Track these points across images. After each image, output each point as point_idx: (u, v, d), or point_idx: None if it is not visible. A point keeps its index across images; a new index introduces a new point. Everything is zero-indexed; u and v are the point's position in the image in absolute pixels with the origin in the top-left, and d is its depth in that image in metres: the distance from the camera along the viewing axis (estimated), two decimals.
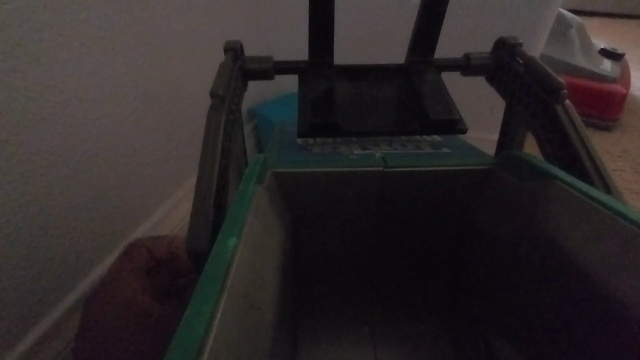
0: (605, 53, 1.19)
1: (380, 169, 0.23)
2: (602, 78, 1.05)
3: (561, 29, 1.12)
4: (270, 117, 0.94)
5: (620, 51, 1.20)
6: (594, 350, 0.17)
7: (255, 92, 0.96)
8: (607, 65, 1.12)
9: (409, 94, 0.32)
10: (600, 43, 1.27)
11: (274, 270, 0.20)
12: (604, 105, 1.04)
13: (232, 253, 0.14)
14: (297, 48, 0.98)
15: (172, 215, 0.67)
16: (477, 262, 0.26)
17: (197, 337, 0.10)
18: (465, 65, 0.32)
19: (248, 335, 0.15)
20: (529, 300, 0.21)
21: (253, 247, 0.16)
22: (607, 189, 0.21)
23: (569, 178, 0.19)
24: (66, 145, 0.43)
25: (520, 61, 0.28)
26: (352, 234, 0.28)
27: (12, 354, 0.38)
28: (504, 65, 0.30)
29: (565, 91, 0.24)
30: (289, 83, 1.00)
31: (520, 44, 0.29)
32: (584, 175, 0.22)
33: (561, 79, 0.24)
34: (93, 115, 0.46)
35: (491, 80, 0.32)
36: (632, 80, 1.39)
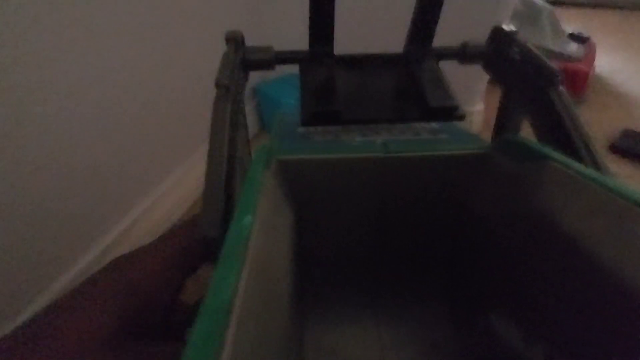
0: (573, 37, 1.32)
1: (381, 154, 0.24)
2: (568, 58, 1.18)
3: (533, 15, 1.24)
4: (273, 95, 1.03)
5: (585, 35, 1.33)
6: (591, 322, 0.18)
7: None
8: (573, 48, 1.25)
9: (407, 81, 0.34)
10: (570, 28, 1.40)
11: (285, 249, 0.22)
12: (569, 83, 1.16)
13: (249, 229, 0.15)
14: (297, 37, 1.05)
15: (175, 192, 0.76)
16: (475, 243, 0.28)
17: (225, 304, 0.11)
18: (463, 54, 0.34)
19: (268, 305, 0.17)
20: (526, 277, 0.23)
21: (266, 227, 0.18)
22: (599, 168, 0.23)
23: (563, 158, 0.20)
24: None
25: (516, 49, 0.30)
26: (354, 219, 0.29)
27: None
28: (501, 53, 0.31)
29: (560, 77, 0.26)
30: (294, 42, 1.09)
31: (516, 32, 0.31)
32: (577, 157, 0.24)
33: (555, 67, 0.26)
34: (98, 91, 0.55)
35: (487, 67, 0.34)
36: (597, 61, 1.54)
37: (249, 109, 1.07)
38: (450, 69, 0.33)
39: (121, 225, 0.64)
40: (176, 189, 0.76)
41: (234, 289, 0.11)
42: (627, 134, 1.03)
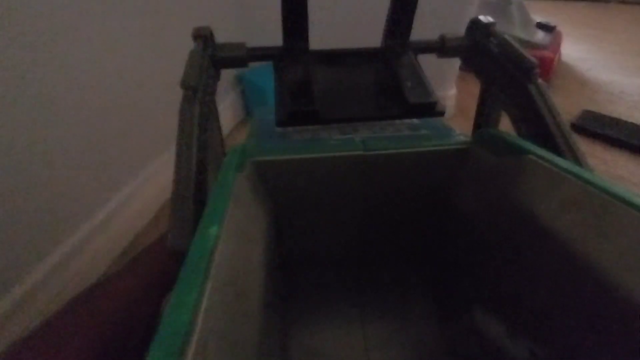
0: (540, 26, 1.40)
1: (361, 152, 0.24)
2: (534, 45, 1.26)
3: (503, 5, 1.32)
4: (258, 82, 1.06)
5: (552, 24, 1.41)
6: (569, 316, 0.17)
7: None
8: (540, 36, 1.33)
9: (386, 78, 0.32)
10: (539, 19, 1.48)
11: (259, 258, 0.20)
12: None
13: (214, 241, 0.14)
14: (273, 32, 1.05)
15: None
16: (458, 239, 0.27)
17: (182, 327, 0.10)
18: (441, 47, 0.33)
19: (236, 322, 0.15)
20: (507, 271, 0.22)
21: (236, 235, 0.16)
22: (578, 162, 0.22)
23: (542, 152, 0.20)
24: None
25: (495, 41, 0.29)
26: (336, 218, 0.28)
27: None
28: (479, 46, 0.30)
29: (537, 70, 0.25)
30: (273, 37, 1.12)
31: (494, 24, 0.30)
32: (556, 150, 0.23)
33: (533, 59, 0.25)
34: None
35: (467, 61, 0.33)
36: (564, 50, 1.63)
37: (234, 96, 1.10)
38: (422, 54, 0.33)
39: (113, 203, 0.67)
40: (160, 174, 0.79)
41: (195, 309, 0.10)
42: (586, 114, 1.11)
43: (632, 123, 1.06)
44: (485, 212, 0.23)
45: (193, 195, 0.19)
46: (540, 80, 0.25)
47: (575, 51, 1.78)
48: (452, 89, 1.09)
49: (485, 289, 0.25)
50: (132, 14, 0.65)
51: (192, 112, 0.22)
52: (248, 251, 0.18)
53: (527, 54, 0.25)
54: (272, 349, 0.22)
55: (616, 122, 1.07)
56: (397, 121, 0.34)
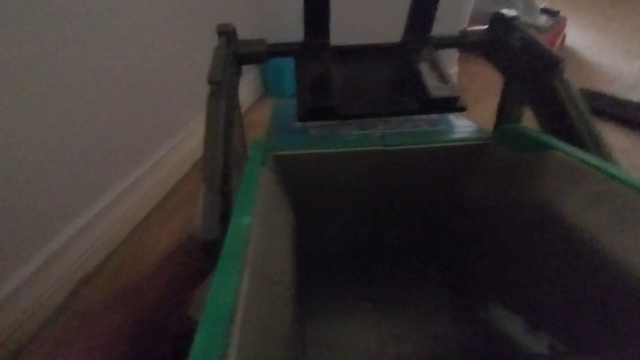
0: (544, 11, 1.47)
1: (380, 148, 0.23)
2: (536, 29, 1.33)
3: None
4: (277, 60, 1.17)
5: (556, 10, 1.48)
6: (592, 311, 0.17)
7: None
8: (542, 20, 1.40)
9: (407, 72, 0.32)
10: (542, 4, 1.55)
11: (284, 248, 0.20)
12: None
13: (247, 231, 0.14)
14: (293, 27, 1.08)
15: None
16: (475, 234, 0.27)
17: (227, 308, 0.10)
18: (462, 42, 0.32)
19: (270, 309, 0.15)
20: (527, 266, 0.21)
21: (264, 225, 0.17)
22: (605, 157, 0.21)
23: (567, 147, 0.19)
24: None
25: (517, 36, 0.28)
26: (352, 213, 0.28)
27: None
28: (501, 40, 0.30)
29: (563, 65, 0.24)
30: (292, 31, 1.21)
31: (517, 18, 0.29)
32: (581, 146, 0.22)
33: (558, 53, 0.25)
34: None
35: (488, 56, 0.32)
36: (570, 36, 1.69)
37: (254, 74, 1.21)
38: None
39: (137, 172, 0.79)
40: (187, 140, 0.91)
41: (235, 294, 0.11)
42: (581, 92, 1.19)
43: (625, 99, 1.14)
44: (505, 207, 0.22)
45: (220, 188, 0.19)
46: (565, 75, 0.24)
47: (581, 38, 1.83)
48: (453, 67, 1.18)
49: (502, 284, 0.24)
50: None
51: (219, 107, 0.22)
52: (275, 241, 0.19)
53: (552, 48, 0.25)
54: (294, 338, 0.21)
55: (609, 99, 1.14)
56: (416, 116, 0.34)
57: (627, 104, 1.10)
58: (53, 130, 0.54)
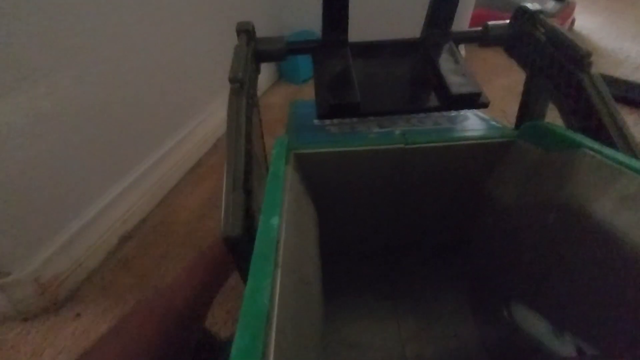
0: None
1: (401, 146, 0.23)
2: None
3: None
4: None
5: None
6: (624, 314, 0.16)
7: (267, 30, 1.24)
8: (549, 5, 1.42)
9: (427, 69, 0.32)
10: None
11: (312, 247, 0.20)
12: None
13: (277, 231, 0.14)
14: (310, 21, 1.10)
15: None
16: (498, 233, 0.26)
17: (263, 309, 0.10)
18: (484, 36, 0.32)
19: (303, 308, 0.15)
20: (554, 266, 0.21)
21: (293, 225, 0.17)
22: (635, 155, 0.20)
23: (596, 145, 0.18)
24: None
25: (542, 30, 0.27)
26: (373, 211, 0.28)
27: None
28: (524, 34, 0.29)
29: (592, 60, 0.23)
30: (299, 21, 1.24)
31: (541, 12, 0.28)
32: (610, 144, 0.21)
33: (586, 47, 0.24)
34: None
35: (510, 50, 0.31)
36: (579, 21, 1.71)
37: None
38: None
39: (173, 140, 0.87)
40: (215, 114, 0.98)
41: (270, 295, 0.11)
42: None
43: (630, 81, 1.17)
44: (531, 207, 0.22)
45: (242, 184, 0.19)
46: (593, 70, 0.23)
47: (591, 23, 1.84)
48: (462, 50, 1.22)
49: (527, 285, 0.23)
50: None
51: (240, 104, 0.23)
52: (304, 241, 0.19)
53: (580, 42, 0.24)
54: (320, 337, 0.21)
55: (614, 81, 1.17)
56: (437, 113, 0.33)
57: (634, 86, 1.13)
58: (105, 108, 0.61)
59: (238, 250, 0.17)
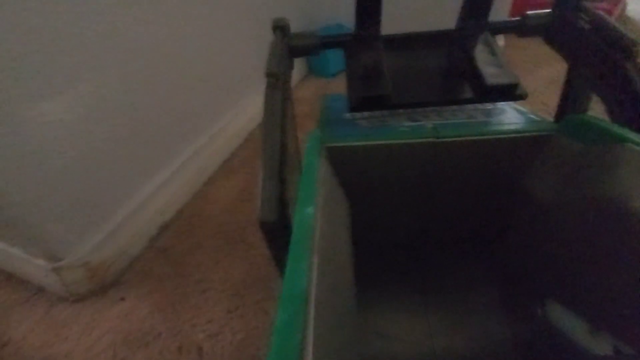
0: None
1: (432, 139, 0.23)
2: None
3: None
4: None
5: None
6: None
7: (297, 25, 1.24)
8: None
9: (461, 60, 0.31)
10: None
11: (345, 236, 0.21)
12: None
13: (312, 220, 0.15)
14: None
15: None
16: (532, 230, 0.26)
17: (302, 289, 0.11)
18: (522, 25, 0.31)
19: (337, 290, 0.16)
20: (594, 264, 0.20)
21: (326, 215, 0.17)
22: None
23: None
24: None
25: (585, 18, 0.26)
26: (404, 204, 0.28)
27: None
28: (566, 23, 0.28)
29: (638, 49, 0.23)
30: (330, 15, 1.24)
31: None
32: None
33: (632, 36, 0.23)
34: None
35: (551, 40, 0.31)
36: (632, 6, 1.57)
37: None
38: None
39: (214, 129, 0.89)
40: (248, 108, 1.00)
41: (308, 279, 0.12)
42: None
43: None
44: (572, 203, 0.21)
45: (277, 173, 0.20)
46: None
47: None
48: (500, 39, 1.16)
49: (564, 282, 0.23)
50: None
51: (275, 98, 0.23)
52: (337, 230, 0.19)
53: (625, 30, 0.23)
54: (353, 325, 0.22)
55: None
56: (470, 106, 0.32)
57: None
58: (145, 105, 0.65)
59: (272, 236, 0.18)
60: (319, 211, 0.16)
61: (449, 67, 0.32)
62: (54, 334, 0.56)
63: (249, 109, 0.98)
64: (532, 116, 0.31)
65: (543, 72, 1.16)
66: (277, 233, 0.18)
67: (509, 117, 0.30)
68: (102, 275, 0.62)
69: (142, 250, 0.69)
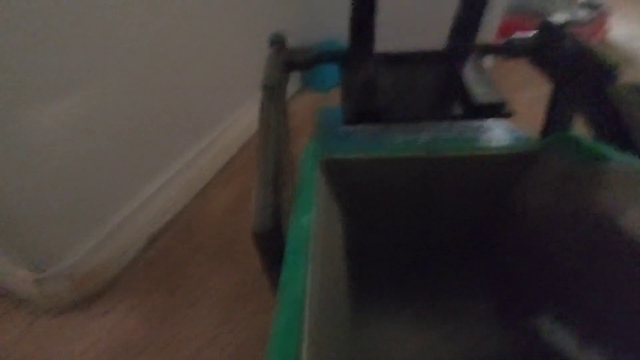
0: (584, 5, 1.45)
1: (424, 155, 0.23)
2: (572, 23, 1.32)
3: None
4: None
5: (597, 3, 1.45)
6: None
7: (295, 38, 1.26)
8: (581, 14, 1.38)
9: (450, 78, 0.33)
10: None
11: (339, 248, 0.21)
12: None
13: (307, 230, 0.15)
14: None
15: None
16: (522, 244, 0.27)
17: (298, 296, 0.11)
18: (508, 48, 0.32)
19: (331, 300, 0.16)
20: (583, 279, 0.21)
21: (321, 226, 0.17)
22: None
23: (625, 157, 0.18)
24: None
25: (569, 43, 0.28)
26: (397, 218, 0.28)
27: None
28: (550, 46, 0.29)
29: (619, 71, 0.24)
30: (324, 31, 1.24)
31: (568, 26, 0.29)
32: (638, 155, 0.21)
33: (614, 59, 0.24)
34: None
35: (535, 62, 0.32)
36: (616, 29, 1.64)
37: None
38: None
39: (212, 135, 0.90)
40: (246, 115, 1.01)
41: (303, 286, 0.12)
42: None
43: None
44: (559, 219, 0.22)
45: (273, 184, 0.20)
46: (623, 80, 0.23)
47: (629, 30, 1.77)
48: (489, 60, 1.20)
49: (555, 296, 0.23)
50: None
51: (271, 110, 0.24)
52: (331, 240, 0.19)
53: (611, 51, 0.26)
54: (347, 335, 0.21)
55: None
56: (461, 123, 0.34)
57: None
58: (143, 112, 0.65)
59: (266, 246, 0.18)
60: (314, 222, 0.16)
61: (439, 84, 0.33)
62: (37, 347, 0.54)
63: (242, 120, 0.99)
64: (519, 134, 0.33)
65: (531, 93, 1.20)
66: (271, 243, 0.18)
67: (498, 134, 0.32)
68: (86, 288, 0.60)
69: (130, 262, 0.68)
